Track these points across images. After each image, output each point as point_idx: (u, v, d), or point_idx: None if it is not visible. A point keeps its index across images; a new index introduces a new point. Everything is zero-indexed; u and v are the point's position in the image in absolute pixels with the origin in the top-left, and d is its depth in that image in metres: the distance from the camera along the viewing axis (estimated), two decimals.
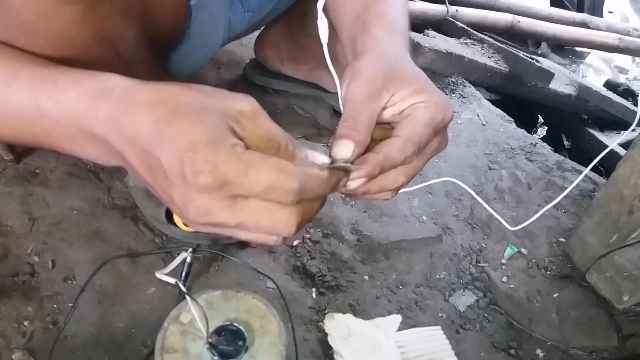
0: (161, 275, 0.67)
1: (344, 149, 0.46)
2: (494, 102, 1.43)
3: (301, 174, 0.39)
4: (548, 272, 0.94)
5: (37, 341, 0.69)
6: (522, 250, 0.97)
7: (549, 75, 1.55)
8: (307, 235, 0.90)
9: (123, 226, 0.84)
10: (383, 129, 0.50)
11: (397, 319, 0.81)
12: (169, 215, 0.82)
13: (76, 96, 0.42)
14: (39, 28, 0.49)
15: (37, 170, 0.90)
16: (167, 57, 0.77)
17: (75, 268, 0.78)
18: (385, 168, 0.47)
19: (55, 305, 0.74)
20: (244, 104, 0.41)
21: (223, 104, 0.40)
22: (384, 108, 0.49)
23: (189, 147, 0.37)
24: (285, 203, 0.39)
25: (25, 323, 0.71)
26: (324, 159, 0.44)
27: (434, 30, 1.61)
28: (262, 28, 1.14)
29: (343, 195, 0.99)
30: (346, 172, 0.46)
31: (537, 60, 1.61)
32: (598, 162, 1.00)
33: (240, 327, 0.62)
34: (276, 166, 0.39)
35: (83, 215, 0.85)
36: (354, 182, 0.46)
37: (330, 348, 0.75)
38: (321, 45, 0.61)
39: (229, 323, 0.62)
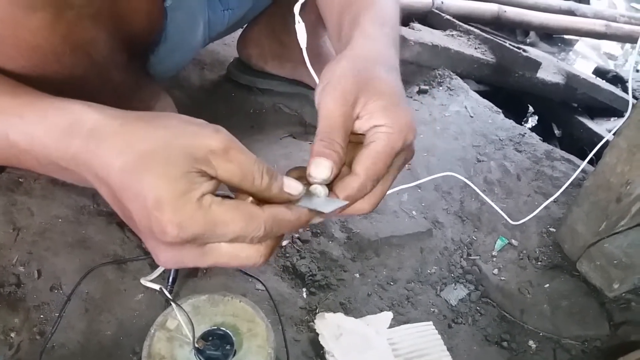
0: (146, 281, 0.66)
1: (323, 170, 0.46)
2: (483, 93, 1.43)
3: (269, 220, 0.41)
4: (539, 263, 0.94)
5: (24, 352, 0.69)
6: (513, 241, 0.97)
7: (536, 65, 1.55)
8: (297, 235, 0.89)
9: (109, 233, 0.84)
10: (353, 141, 0.50)
11: (388, 316, 0.81)
12: None
13: (44, 132, 0.41)
14: (7, 36, 0.48)
15: (20, 179, 0.89)
16: (145, 58, 0.76)
17: (61, 277, 0.77)
18: (350, 202, 0.48)
19: (42, 316, 0.73)
20: (214, 141, 0.40)
21: (192, 144, 0.40)
22: (356, 118, 0.49)
23: (154, 206, 0.38)
24: (255, 245, 0.42)
25: (12, 334, 0.70)
26: (298, 187, 0.44)
27: (419, 22, 1.60)
28: (244, 27, 1.13)
29: None
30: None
31: (524, 50, 1.61)
32: (589, 149, 1.00)
33: (228, 331, 0.61)
34: (243, 216, 0.40)
35: (68, 223, 0.84)
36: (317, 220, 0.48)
37: (322, 348, 0.75)
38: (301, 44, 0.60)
39: (216, 328, 0.62)
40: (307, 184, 0.47)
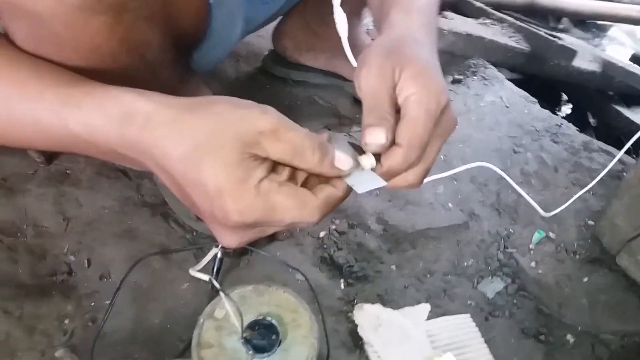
0: (195, 272, 0.68)
1: (378, 135, 0.47)
2: (517, 82, 1.41)
3: (322, 205, 0.44)
4: (577, 256, 0.93)
5: (78, 338, 0.72)
6: (550, 234, 0.97)
7: (571, 53, 1.52)
8: (333, 227, 0.91)
9: (154, 223, 0.86)
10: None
11: (426, 307, 0.82)
12: None
13: (101, 121, 0.43)
14: (68, 39, 0.49)
15: (67, 171, 0.92)
16: (189, 55, 0.78)
17: (110, 266, 0.80)
18: (396, 174, 0.49)
19: (93, 303, 0.76)
20: (262, 123, 0.42)
21: (241, 129, 0.41)
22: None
23: (215, 194, 0.41)
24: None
25: (66, 321, 0.74)
26: (349, 161, 0.46)
27: (452, 11, 1.58)
28: (279, 19, 1.14)
29: None
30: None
31: (558, 38, 1.58)
32: (626, 139, 0.98)
33: (273, 321, 0.63)
34: (299, 204, 0.43)
35: (114, 213, 0.87)
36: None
37: (361, 339, 0.76)
38: (338, 33, 0.61)
39: (262, 317, 0.63)
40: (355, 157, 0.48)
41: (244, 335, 0.61)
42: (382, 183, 0.48)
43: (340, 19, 0.59)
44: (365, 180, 0.47)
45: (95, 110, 0.44)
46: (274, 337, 0.62)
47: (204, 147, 0.41)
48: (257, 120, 0.42)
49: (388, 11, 0.59)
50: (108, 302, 0.73)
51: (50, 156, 0.92)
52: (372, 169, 0.48)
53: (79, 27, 0.49)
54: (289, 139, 0.42)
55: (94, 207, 0.87)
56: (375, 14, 0.67)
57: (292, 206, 0.43)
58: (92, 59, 0.52)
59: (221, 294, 0.62)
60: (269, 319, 0.63)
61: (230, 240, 0.47)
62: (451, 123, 0.52)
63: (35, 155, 0.91)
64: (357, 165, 0.48)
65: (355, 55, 0.59)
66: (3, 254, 0.78)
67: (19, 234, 0.82)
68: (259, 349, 0.61)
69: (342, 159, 0.45)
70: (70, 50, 0.51)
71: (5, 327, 0.71)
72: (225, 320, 0.64)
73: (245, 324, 0.63)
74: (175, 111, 0.42)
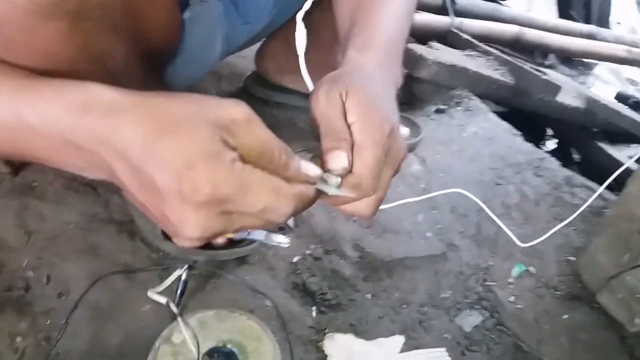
0: (153, 294, 0.65)
1: (339, 160, 0.47)
2: (501, 115, 1.41)
3: (296, 198, 0.41)
4: (557, 292, 0.91)
5: (29, 357, 0.68)
6: (531, 269, 0.94)
7: (555, 88, 1.53)
8: (308, 252, 0.88)
9: (119, 241, 0.83)
10: None
11: (399, 339, 0.79)
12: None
13: (59, 108, 0.40)
14: (23, 44, 0.47)
15: (34, 184, 0.88)
16: (162, 70, 0.75)
17: (70, 283, 0.76)
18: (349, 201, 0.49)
19: (49, 322, 0.72)
20: (237, 110, 0.40)
21: (214, 113, 0.39)
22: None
23: (185, 165, 0.37)
24: (277, 222, 0.42)
25: (18, 339, 0.69)
26: (316, 170, 0.45)
27: (438, 42, 1.59)
28: (262, 40, 1.13)
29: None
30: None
31: (543, 73, 1.59)
32: (609, 176, 0.97)
33: (234, 349, 0.60)
34: (274, 188, 0.40)
35: (79, 229, 0.83)
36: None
37: None
38: (318, 57, 0.60)
39: (222, 345, 0.60)
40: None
41: None
42: (349, 194, 0.48)
43: (300, 34, 0.59)
44: (336, 191, 0.48)
45: (52, 99, 0.41)
46: None
47: (174, 123, 0.38)
48: (231, 107, 0.40)
49: (346, 47, 0.60)
50: (64, 321, 0.69)
51: (17, 167, 0.89)
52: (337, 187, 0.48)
53: (34, 33, 0.47)
54: (260, 134, 0.41)
55: (58, 221, 0.83)
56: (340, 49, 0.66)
57: (267, 188, 0.40)
58: (47, 64, 0.49)
59: (178, 318, 0.59)
60: (229, 346, 0.60)
61: (194, 225, 0.39)
62: (400, 151, 0.52)
63: (1, 166, 0.87)
64: (323, 181, 0.47)
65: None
66: None
67: None
68: None
69: (311, 167, 0.45)
70: (26, 56, 0.48)
71: None
72: (182, 346, 0.60)
73: (204, 350, 0.59)
74: (141, 97, 0.40)
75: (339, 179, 0.47)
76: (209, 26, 0.80)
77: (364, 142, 0.48)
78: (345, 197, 0.48)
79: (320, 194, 0.47)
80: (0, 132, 0.43)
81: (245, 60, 1.30)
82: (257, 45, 1.15)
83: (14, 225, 0.81)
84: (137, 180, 0.39)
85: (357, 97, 0.49)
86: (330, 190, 0.47)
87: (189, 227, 0.39)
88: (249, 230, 0.79)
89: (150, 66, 0.67)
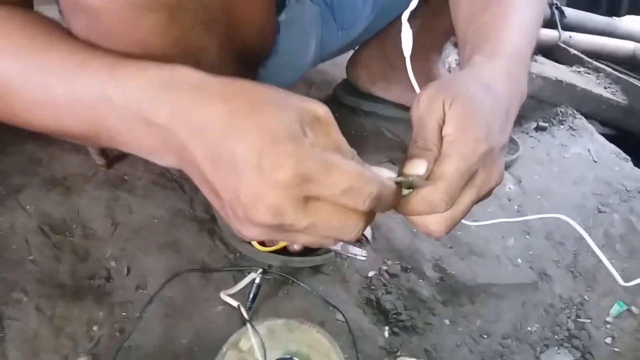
0: (225, 296, 0.64)
1: (417, 167, 0.44)
2: (609, 138, 1.29)
3: (380, 181, 0.38)
4: None
5: (102, 347, 0.69)
6: (633, 308, 0.84)
7: None
8: (384, 267, 0.84)
9: (199, 239, 0.84)
10: None
11: None
12: None
13: (143, 83, 0.40)
14: (120, 35, 0.48)
15: (125, 177, 0.92)
16: (254, 71, 0.75)
17: (148, 277, 0.78)
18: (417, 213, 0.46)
19: (124, 313, 0.74)
20: (321, 110, 0.39)
21: (300, 104, 0.39)
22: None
23: (269, 139, 0.35)
24: (360, 209, 0.38)
25: (95, 328, 0.71)
26: (390, 174, 0.43)
27: (543, 56, 1.49)
28: (355, 48, 1.11)
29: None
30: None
31: None
32: None
33: None
34: (358, 169, 0.37)
35: (163, 224, 0.85)
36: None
37: None
38: (413, 65, 0.57)
39: (289, 357, 0.58)
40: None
41: None
42: None
43: (406, 35, 0.55)
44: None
45: (137, 73, 0.41)
46: None
47: (260, 102, 0.37)
48: (316, 104, 0.40)
49: (472, 52, 0.55)
50: (139, 314, 0.71)
51: (111, 160, 0.93)
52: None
53: (132, 24, 0.48)
54: (337, 139, 0.40)
55: (144, 215, 0.86)
56: (461, 53, 0.62)
57: (350, 168, 0.37)
58: (143, 57, 0.50)
59: (247, 324, 0.57)
60: (296, 359, 0.58)
61: (267, 205, 0.36)
62: (493, 177, 0.48)
63: (97, 158, 0.92)
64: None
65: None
66: (48, 251, 0.78)
67: (67, 233, 0.81)
68: None
69: (383, 170, 0.43)
70: (123, 48, 0.49)
71: (34, 325, 0.70)
72: (249, 353, 0.59)
73: None
74: (229, 79, 0.40)
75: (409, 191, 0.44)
76: (304, 29, 0.79)
77: (449, 154, 0.45)
78: (415, 207, 0.44)
79: (399, 194, 0.44)
80: (80, 108, 0.42)
81: (338, 69, 1.29)
82: (350, 53, 1.13)
83: (102, 215, 0.85)
84: (212, 158, 0.37)
85: (461, 109, 0.46)
86: (403, 191, 0.44)
87: (262, 207, 0.36)
88: None
89: (243, 67, 0.67)
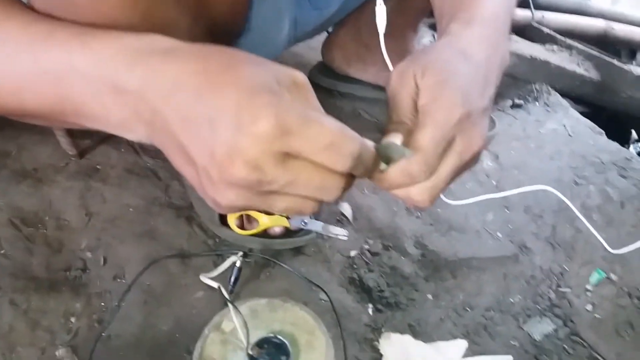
0: (205, 278, 0.63)
1: (393, 140, 0.44)
2: (583, 115, 1.30)
3: (361, 141, 0.37)
4: None
5: (81, 338, 0.68)
6: (612, 276, 0.85)
7: None
8: (366, 246, 0.84)
9: (177, 226, 0.82)
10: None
11: (462, 344, 0.73)
12: (222, 217, 0.79)
13: (113, 50, 0.38)
14: (86, 8, 0.46)
15: (98, 166, 0.90)
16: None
17: (125, 266, 0.76)
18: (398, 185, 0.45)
19: (102, 303, 0.72)
20: (300, 76, 0.38)
21: (278, 67, 0.37)
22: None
23: (247, 92, 0.34)
24: (340, 169, 0.36)
25: (72, 319, 0.70)
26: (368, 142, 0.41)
27: (517, 35, 1.50)
28: (330, 29, 1.10)
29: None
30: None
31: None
32: None
33: (285, 340, 0.57)
34: (339, 126, 0.36)
35: (138, 213, 0.83)
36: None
37: None
38: (388, 44, 0.56)
39: (272, 335, 0.57)
40: None
41: (250, 352, 0.55)
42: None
43: (380, 12, 0.54)
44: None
45: (108, 42, 0.39)
46: (283, 358, 0.56)
47: (237, 61, 0.36)
48: (295, 71, 0.38)
49: (449, 21, 0.54)
50: (117, 304, 0.69)
51: (83, 150, 0.91)
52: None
53: None
54: (315, 105, 0.39)
55: (119, 204, 0.84)
56: (438, 27, 0.61)
57: (334, 126, 0.35)
58: None
59: (229, 305, 0.56)
60: (280, 337, 0.57)
61: (244, 162, 0.34)
62: (475, 142, 0.47)
63: (68, 148, 0.89)
64: None
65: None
66: (20, 244, 0.76)
67: (39, 225, 0.79)
68: None
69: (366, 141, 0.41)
70: (88, 22, 0.47)
71: (9, 319, 0.68)
72: (232, 335, 0.58)
73: (254, 340, 0.57)
74: (204, 45, 0.39)
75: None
76: (277, 7, 0.78)
77: (423, 124, 0.44)
78: (395, 179, 0.44)
79: (378, 161, 0.43)
80: (46, 81, 0.41)
81: (313, 52, 1.27)
82: (325, 34, 1.12)
83: (76, 206, 0.83)
84: (186, 119, 0.36)
85: (432, 78, 0.46)
86: (382, 166, 0.43)
87: (239, 162, 0.34)
88: (306, 221, 0.77)
89: (214, 43, 0.66)
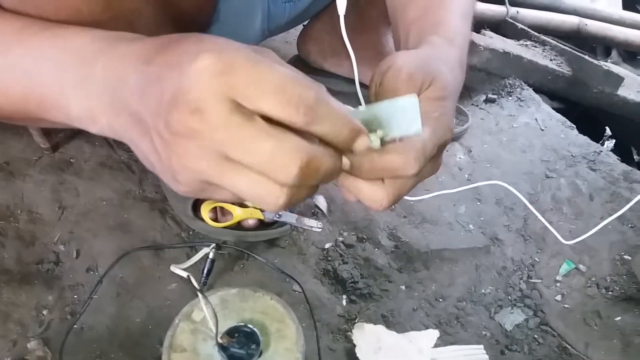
0: (176, 268, 0.63)
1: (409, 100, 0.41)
2: (556, 111, 1.33)
3: (318, 88, 0.34)
4: (609, 293, 0.84)
5: (53, 331, 0.68)
6: (581, 266, 0.88)
7: (617, 80, 1.43)
8: (340, 239, 0.84)
9: (150, 219, 0.82)
10: None
11: (434, 334, 0.74)
12: (196, 209, 0.79)
13: (86, 39, 0.39)
14: (49, 1, 0.46)
15: (71, 160, 0.89)
16: None
17: (98, 259, 0.76)
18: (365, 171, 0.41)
19: (75, 296, 0.72)
20: (273, 54, 0.36)
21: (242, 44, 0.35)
22: None
23: (195, 40, 0.33)
24: (295, 120, 0.32)
25: (44, 312, 0.69)
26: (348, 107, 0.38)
27: (491, 31, 1.52)
28: (305, 23, 1.10)
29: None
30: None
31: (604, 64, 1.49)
32: None
33: (255, 329, 0.57)
34: (294, 72, 0.33)
35: (112, 206, 0.83)
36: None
37: None
38: (363, 37, 0.56)
39: (242, 324, 0.57)
40: None
41: (220, 341, 0.55)
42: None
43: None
44: None
45: (84, 32, 0.41)
46: (253, 346, 0.56)
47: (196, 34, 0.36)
48: (269, 51, 0.36)
49: (427, 33, 0.55)
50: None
51: (56, 143, 0.90)
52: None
53: None
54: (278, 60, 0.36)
55: (92, 197, 0.83)
56: (402, 33, 0.61)
57: (286, 71, 0.32)
58: (71, 22, 0.48)
59: (198, 293, 0.57)
60: (250, 326, 0.57)
61: (187, 101, 0.31)
62: (437, 167, 0.47)
63: (41, 141, 0.88)
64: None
65: (376, 62, 0.54)
66: None
67: (11, 219, 0.78)
68: (235, 358, 0.56)
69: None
70: (51, 12, 0.47)
71: None
72: (202, 324, 0.58)
73: (224, 329, 0.57)
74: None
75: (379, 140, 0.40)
76: None
77: (429, 134, 0.42)
78: (387, 160, 0.40)
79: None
80: (12, 73, 0.41)
81: (289, 46, 1.28)
82: (300, 28, 1.12)
83: (48, 200, 0.82)
84: (139, 88, 0.34)
85: (441, 92, 0.45)
86: (372, 139, 0.39)
87: (180, 107, 0.31)
88: (280, 213, 0.77)
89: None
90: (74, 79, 0.39)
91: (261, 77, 0.31)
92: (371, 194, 0.42)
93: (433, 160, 0.45)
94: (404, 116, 0.40)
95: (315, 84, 0.34)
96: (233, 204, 0.76)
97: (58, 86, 0.40)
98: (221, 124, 0.31)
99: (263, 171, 0.33)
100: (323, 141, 0.35)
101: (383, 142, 0.40)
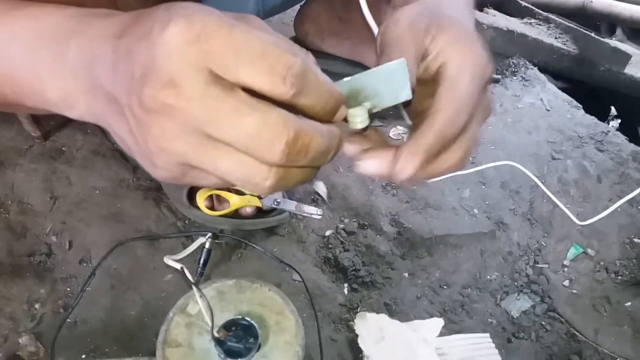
0: (169, 260, 0.61)
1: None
2: (561, 91, 1.29)
3: (304, 55, 0.31)
4: (619, 277, 0.81)
5: (45, 325, 0.66)
6: (589, 250, 0.85)
7: (625, 58, 1.39)
8: (341, 226, 0.82)
9: (145, 208, 0.80)
10: (424, 87, 0.40)
11: (439, 322, 0.72)
12: (191, 198, 0.76)
13: (60, 18, 0.36)
14: None
15: (63, 148, 0.86)
16: None
17: (92, 250, 0.73)
18: (432, 150, 0.37)
19: (68, 289, 0.70)
20: (253, 15, 0.32)
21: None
22: (425, 57, 0.40)
23: (165, 9, 0.29)
24: (279, 91, 0.28)
25: (36, 306, 0.67)
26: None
27: (495, 9, 1.48)
28: (302, 3, 1.07)
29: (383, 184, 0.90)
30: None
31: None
32: None
33: (253, 322, 0.55)
34: (275, 37, 0.30)
35: (105, 195, 0.81)
36: (409, 167, 0.36)
37: (360, 351, 0.67)
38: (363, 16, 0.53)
39: (240, 317, 0.55)
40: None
41: (217, 335, 0.53)
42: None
43: None
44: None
45: (57, 9, 0.37)
46: (252, 340, 0.54)
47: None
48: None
49: None
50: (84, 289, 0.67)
51: (47, 132, 0.87)
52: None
53: None
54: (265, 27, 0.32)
55: (85, 187, 0.81)
56: None
57: (266, 35, 0.28)
58: (53, 1, 0.45)
59: (193, 286, 0.54)
60: (248, 319, 0.55)
61: (159, 74, 0.28)
62: (490, 105, 0.42)
63: (32, 129, 0.86)
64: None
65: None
66: None
67: (1, 210, 0.76)
68: (232, 354, 0.53)
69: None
70: None
71: None
72: (197, 317, 0.56)
73: (221, 322, 0.55)
74: None
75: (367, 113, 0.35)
76: None
77: (464, 79, 0.38)
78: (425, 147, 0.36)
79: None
80: None
81: (286, 27, 1.24)
82: (297, 9, 1.09)
83: (40, 189, 0.80)
84: (111, 64, 0.31)
85: (453, 33, 0.40)
86: (362, 115, 0.35)
87: (152, 80, 0.28)
88: (279, 200, 0.75)
89: None
90: (48, 60, 0.36)
91: (240, 44, 0.28)
92: (447, 164, 0.38)
93: (485, 99, 0.40)
94: (392, 83, 0.36)
95: (301, 50, 0.31)
96: (229, 191, 0.74)
97: (32, 69, 0.37)
98: (197, 97, 0.28)
99: (247, 149, 0.29)
100: (306, 115, 0.31)
101: (372, 113, 0.37)
